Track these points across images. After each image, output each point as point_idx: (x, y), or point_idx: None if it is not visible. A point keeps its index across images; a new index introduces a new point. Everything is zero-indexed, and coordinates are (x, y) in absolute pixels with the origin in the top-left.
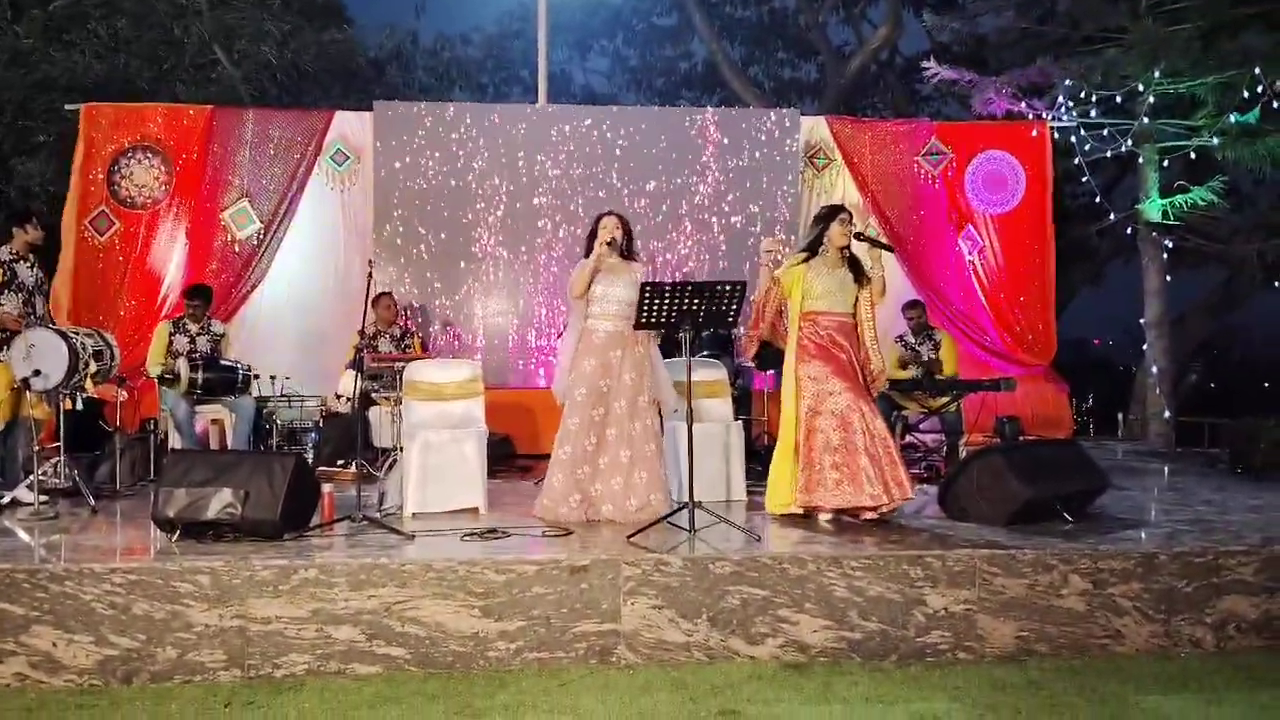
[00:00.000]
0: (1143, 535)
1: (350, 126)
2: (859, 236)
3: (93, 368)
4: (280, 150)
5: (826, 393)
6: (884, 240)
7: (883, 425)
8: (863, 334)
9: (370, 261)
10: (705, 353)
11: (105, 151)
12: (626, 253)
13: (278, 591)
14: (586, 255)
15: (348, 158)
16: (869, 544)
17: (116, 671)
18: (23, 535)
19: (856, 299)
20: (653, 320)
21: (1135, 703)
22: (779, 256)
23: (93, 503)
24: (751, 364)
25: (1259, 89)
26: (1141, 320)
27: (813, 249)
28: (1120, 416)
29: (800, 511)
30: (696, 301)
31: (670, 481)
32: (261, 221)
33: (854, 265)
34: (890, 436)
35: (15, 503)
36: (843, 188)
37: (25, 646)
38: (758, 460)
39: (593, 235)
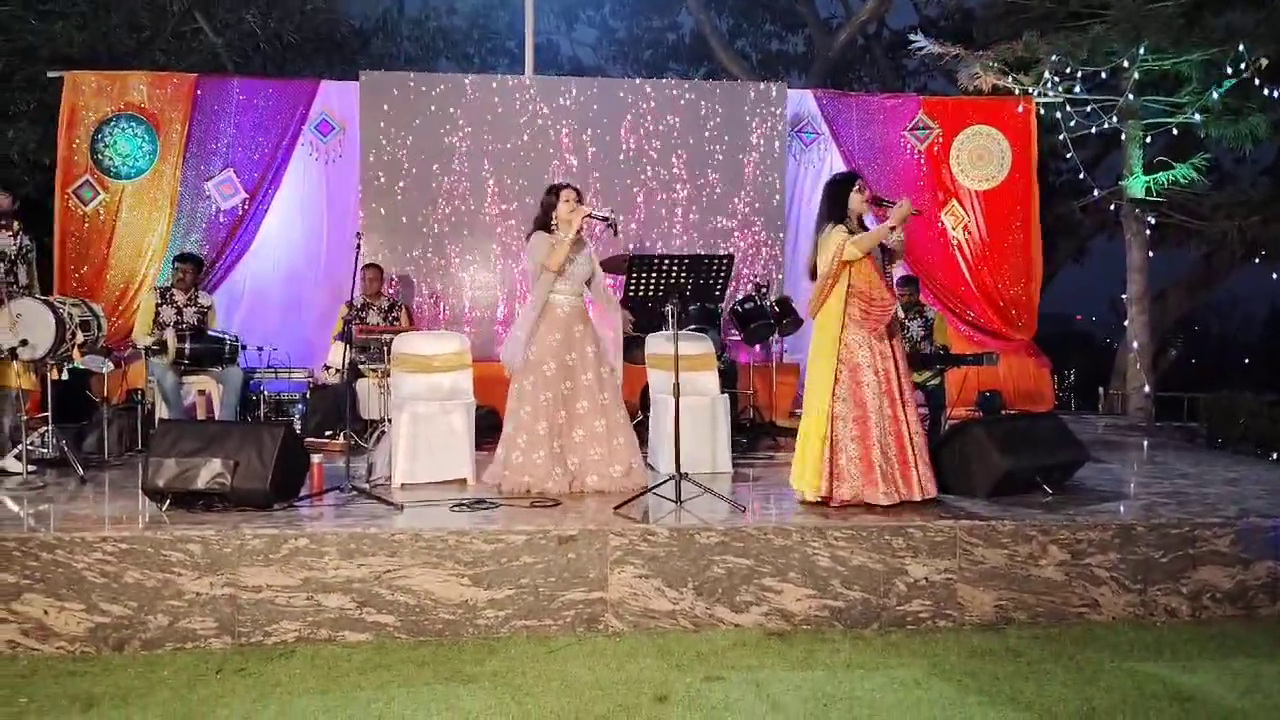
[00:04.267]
0: (1121, 507)
1: (336, 97)
2: (876, 201)
3: (80, 338)
4: (265, 120)
5: (861, 379)
6: (887, 199)
7: (912, 417)
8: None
9: (358, 233)
10: (692, 326)
11: (88, 120)
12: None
13: (268, 560)
14: (542, 226)
15: (333, 128)
16: (852, 515)
17: (108, 639)
18: (11, 505)
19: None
20: (641, 294)
21: (1111, 670)
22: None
23: (81, 472)
24: (738, 338)
25: (1242, 66)
26: (1123, 296)
27: (839, 221)
28: (1101, 391)
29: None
30: (684, 275)
31: (657, 454)
32: (247, 192)
33: None
34: (920, 431)
35: (3, 473)
36: (830, 161)
37: (17, 614)
38: (743, 433)
39: (547, 208)
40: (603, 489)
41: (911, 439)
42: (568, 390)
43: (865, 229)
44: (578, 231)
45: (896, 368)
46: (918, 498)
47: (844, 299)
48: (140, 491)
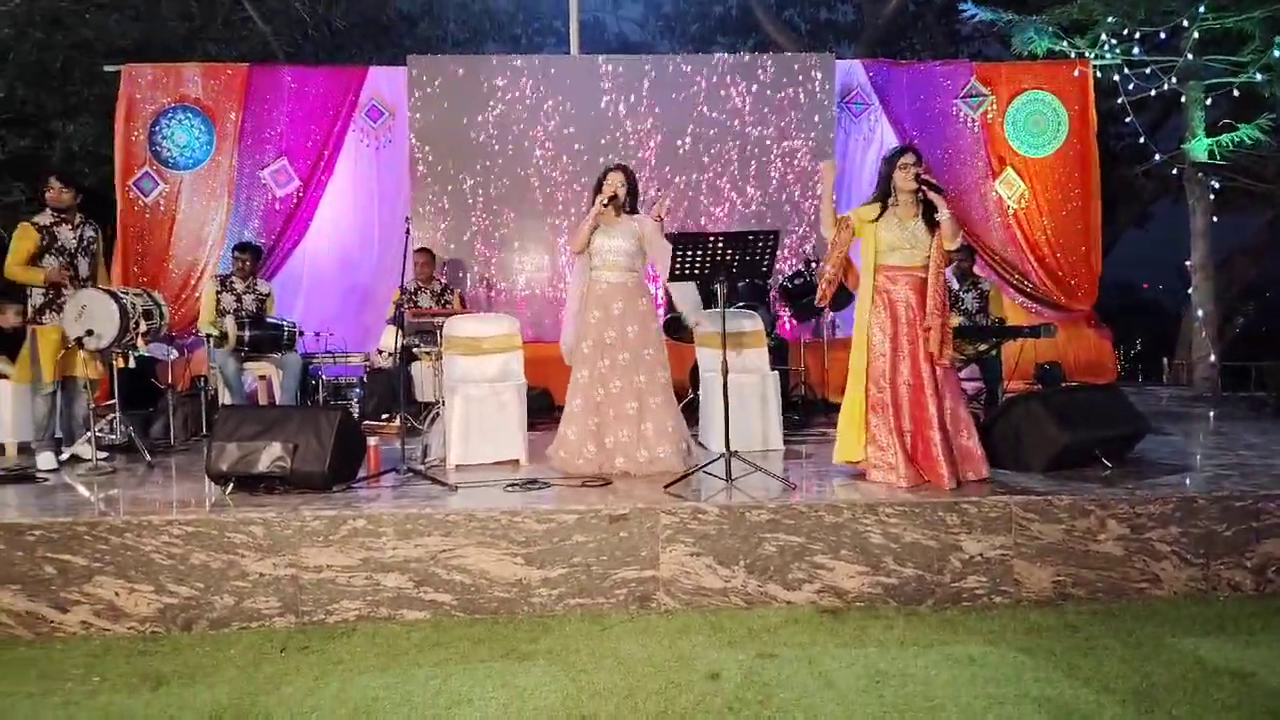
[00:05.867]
0: (1185, 480)
1: (385, 82)
2: (918, 180)
3: (143, 327)
4: (317, 107)
5: (888, 360)
6: (935, 182)
7: (949, 401)
8: (927, 285)
9: (407, 218)
10: (741, 303)
11: (146, 112)
12: (630, 208)
13: (328, 541)
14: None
15: (383, 114)
16: (904, 491)
17: (177, 619)
18: (82, 490)
19: (930, 250)
20: (686, 272)
21: (1171, 645)
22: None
23: (148, 458)
24: (789, 314)
25: None
26: (1187, 262)
27: (884, 198)
28: (1165, 361)
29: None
30: (729, 252)
31: (708, 432)
32: (301, 179)
33: (928, 211)
34: (959, 411)
35: (74, 458)
36: (880, 132)
37: (89, 596)
38: (794, 410)
39: (598, 189)
40: (628, 471)
41: (926, 425)
42: (604, 368)
43: (921, 206)
44: (608, 208)
45: (915, 350)
46: (905, 484)
47: (871, 273)
48: (205, 475)
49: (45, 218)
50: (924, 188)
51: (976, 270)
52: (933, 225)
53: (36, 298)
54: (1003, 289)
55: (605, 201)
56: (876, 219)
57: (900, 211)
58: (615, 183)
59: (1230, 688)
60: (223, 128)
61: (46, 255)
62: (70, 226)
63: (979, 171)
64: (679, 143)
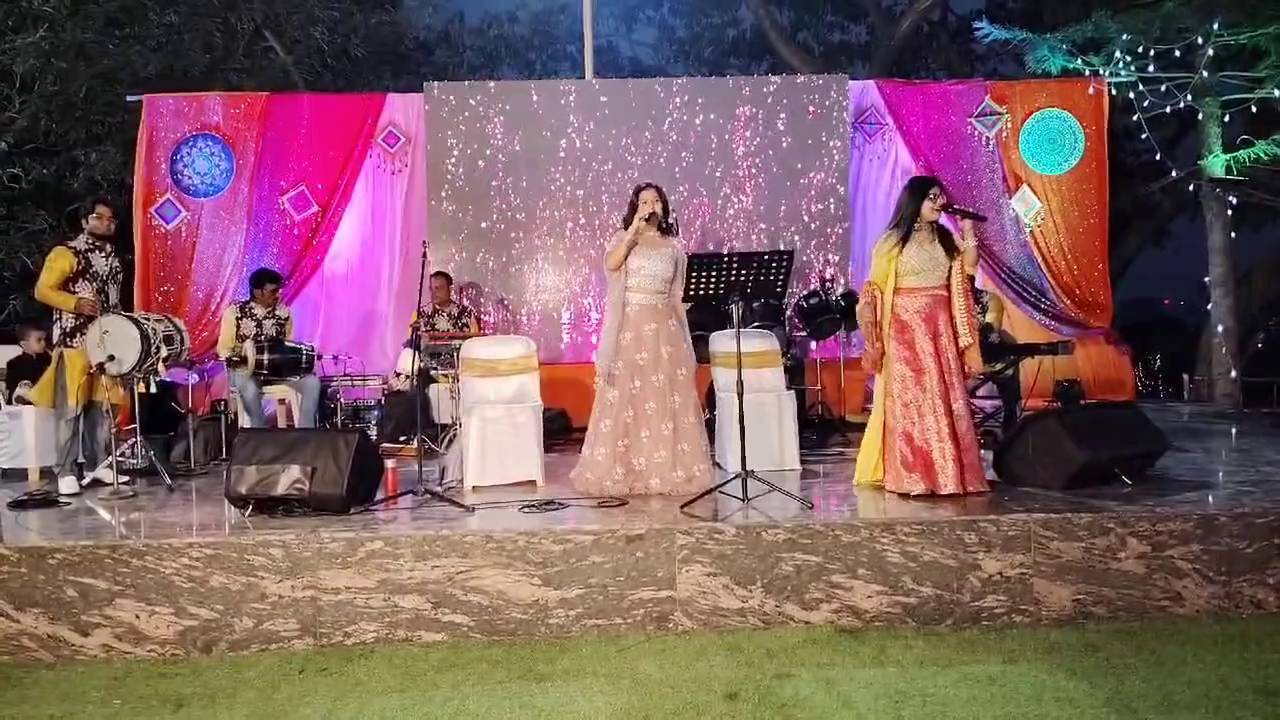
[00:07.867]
0: (1206, 497)
1: (401, 109)
2: (948, 209)
3: (164, 352)
4: (335, 135)
5: (913, 376)
6: (973, 210)
7: (965, 411)
8: (953, 306)
9: (424, 242)
10: (757, 323)
11: (167, 140)
12: (664, 227)
13: (346, 563)
14: (625, 227)
15: (399, 139)
16: (922, 510)
17: (197, 641)
18: (104, 514)
19: (949, 271)
20: (701, 293)
21: (1193, 664)
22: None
23: (169, 481)
24: (805, 333)
25: None
26: (1206, 278)
27: (907, 228)
28: (1186, 377)
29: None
30: (743, 272)
31: (724, 452)
32: (319, 205)
33: (944, 237)
34: (971, 426)
35: (96, 483)
36: (895, 153)
37: (110, 619)
38: (811, 430)
39: (632, 208)
40: (664, 492)
41: (951, 431)
42: (635, 390)
43: (938, 233)
44: (646, 229)
45: (940, 361)
46: (942, 490)
47: (890, 298)
48: (225, 498)
49: (81, 243)
50: (958, 215)
51: (981, 285)
52: (951, 248)
53: (67, 321)
54: (1020, 307)
55: (645, 218)
56: (898, 244)
57: (921, 238)
58: (650, 200)
59: (1254, 706)
60: (243, 155)
61: (80, 280)
62: (103, 254)
63: (995, 190)
64: (693, 165)
